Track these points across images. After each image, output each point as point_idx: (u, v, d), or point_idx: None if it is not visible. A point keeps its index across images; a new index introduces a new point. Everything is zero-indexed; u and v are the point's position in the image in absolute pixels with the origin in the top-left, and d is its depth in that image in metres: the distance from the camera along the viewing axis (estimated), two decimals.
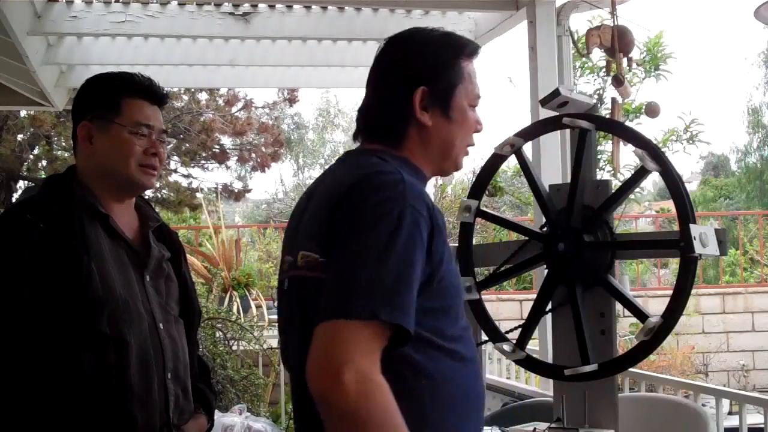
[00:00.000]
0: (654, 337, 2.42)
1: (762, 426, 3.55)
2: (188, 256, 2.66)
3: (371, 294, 1.66)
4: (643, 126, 8.09)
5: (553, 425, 2.58)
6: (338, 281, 1.69)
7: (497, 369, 6.07)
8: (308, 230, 1.85)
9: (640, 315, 2.46)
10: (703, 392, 4.17)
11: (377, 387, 1.61)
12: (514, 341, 2.71)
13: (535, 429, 2.59)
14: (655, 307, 3.51)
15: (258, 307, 8.74)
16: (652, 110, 3.25)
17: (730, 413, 5.70)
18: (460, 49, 2.02)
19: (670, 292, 2.44)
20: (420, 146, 1.95)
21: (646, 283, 14.57)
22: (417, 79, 1.94)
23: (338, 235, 1.74)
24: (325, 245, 1.77)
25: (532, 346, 4.30)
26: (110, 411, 2.15)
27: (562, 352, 2.66)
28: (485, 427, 2.72)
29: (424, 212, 1.74)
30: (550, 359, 2.84)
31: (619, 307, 2.60)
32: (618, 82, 3.15)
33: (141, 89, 2.38)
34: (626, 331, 10.05)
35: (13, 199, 13.34)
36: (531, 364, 2.78)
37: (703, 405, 3.97)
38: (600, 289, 2.57)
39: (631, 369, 3.16)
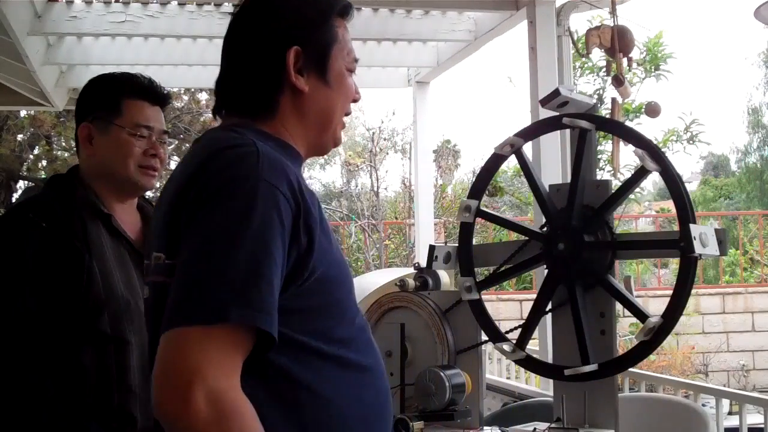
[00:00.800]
0: (654, 337, 2.42)
1: (762, 426, 3.55)
2: None
3: (218, 291, 1.39)
4: (643, 126, 8.14)
5: (553, 425, 2.58)
6: (182, 279, 1.42)
7: (497, 369, 6.07)
8: (157, 228, 1.60)
9: (640, 315, 2.45)
10: (703, 392, 4.18)
11: (232, 406, 1.36)
12: (514, 341, 2.71)
13: (535, 429, 2.59)
14: (655, 307, 3.51)
15: None
16: (652, 110, 3.25)
17: (730, 413, 5.70)
18: (331, 5, 1.75)
19: (670, 292, 2.44)
20: (295, 117, 1.69)
21: (646, 283, 14.58)
22: (287, 39, 1.66)
23: (184, 226, 1.47)
24: (170, 243, 1.51)
25: (532, 346, 4.31)
26: (110, 411, 2.15)
27: (562, 352, 2.66)
28: (485, 427, 2.72)
29: (285, 189, 1.47)
30: (550, 359, 2.83)
31: (619, 307, 2.60)
32: (618, 82, 3.15)
33: (142, 90, 2.38)
34: (626, 331, 10.07)
35: (13, 199, 13.35)
36: (531, 364, 2.77)
37: (703, 405, 3.98)
38: (600, 289, 2.57)
39: (631, 369, 3.16)
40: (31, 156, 14.51)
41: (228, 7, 5.56)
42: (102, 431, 2.14)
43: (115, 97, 2.34)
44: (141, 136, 2.33)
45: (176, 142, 14.30)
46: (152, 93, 2.40)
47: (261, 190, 1.45)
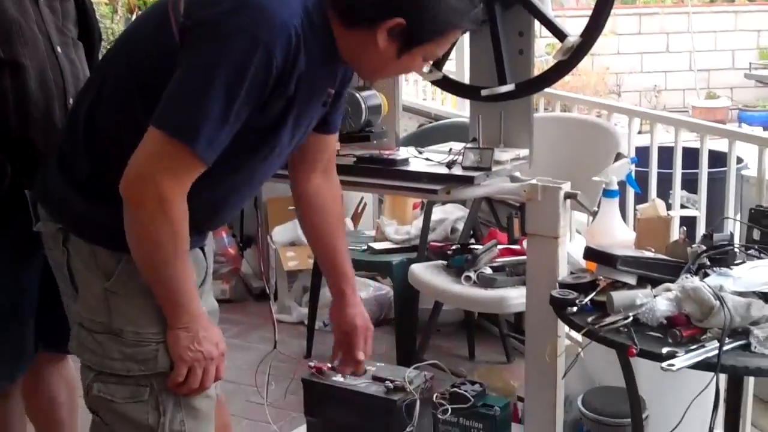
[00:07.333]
0: (572, 57, 2.41)
1: (671, 145, 3.63)
2: None
3: (182, 115, 1.67)
4: None
5: (468, 145, 2.59)
6: (170, 90, 1.68)
7: (414, 90, 6.07)
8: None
9: (559, 34, 2.42)
10: (616, 112, 4.24)
11: (170, 210, 1.68)
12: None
13: (450, 149, 2.60)
14: (574, 26, 3.46)
15: None
16: None
17: (640, 132, 5.85)
18: (465, 17, 1.84)
19: (589, 12, 2.40)
20: (358, 47, 1.82)
21: (564, 3, 14.51)
22: (400, 11, 1.77)
23: (191, 37, 1.70)
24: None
25: (449, 66, 4.28)
26: (9, 138, 2.10)
27: (479, 72, 2.64)
28: (401, 148, 2.74)
29: (279, 57, 1.67)
30: (467, 80, 2.81)
31: (536, 26, 2.56)
32: None
33: None
34: (542, 51, 10.08)
35: None
36: (448, 84, 2.76)
37: (616, 124, 4.04)
38: (519, 8, 2.50)
39: (546, 89, 3.17)
40: None
41: None
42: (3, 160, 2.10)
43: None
44: None
45: None
46: None
47: (254, 56, 1.64)
